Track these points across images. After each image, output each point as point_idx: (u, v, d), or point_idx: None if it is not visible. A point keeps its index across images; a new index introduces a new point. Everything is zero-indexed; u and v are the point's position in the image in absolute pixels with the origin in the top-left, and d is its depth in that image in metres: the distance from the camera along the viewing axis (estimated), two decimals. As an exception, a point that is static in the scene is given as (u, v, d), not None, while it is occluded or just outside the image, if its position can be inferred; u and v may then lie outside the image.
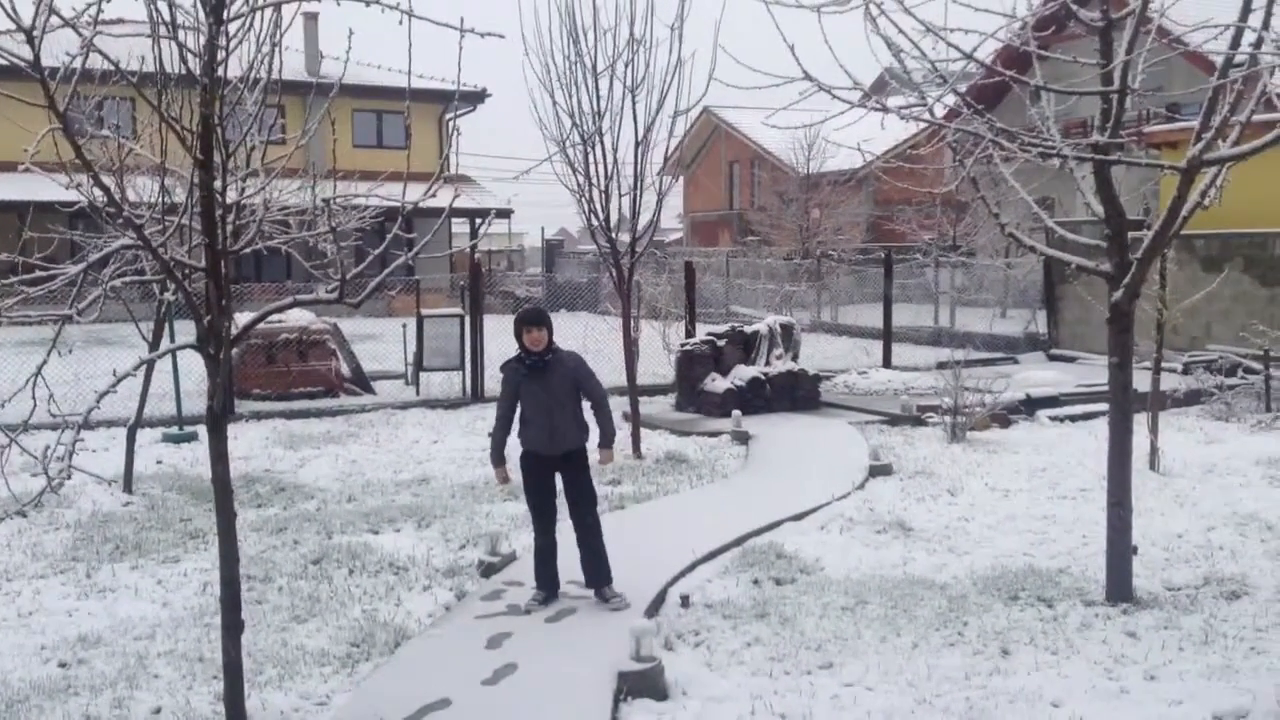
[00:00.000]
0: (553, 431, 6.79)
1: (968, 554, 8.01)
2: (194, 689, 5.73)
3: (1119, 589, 6.89)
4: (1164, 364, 11.26)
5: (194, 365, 10.95)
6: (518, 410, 6.90)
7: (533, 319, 6.89)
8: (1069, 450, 11.73)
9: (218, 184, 4.75)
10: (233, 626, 5.12)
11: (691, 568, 7.68)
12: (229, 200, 4.96)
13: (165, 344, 7.42)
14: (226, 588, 5.13)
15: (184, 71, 4.66)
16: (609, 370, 13.97)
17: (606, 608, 6.73)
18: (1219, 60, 6.24)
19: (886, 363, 18.04)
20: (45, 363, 4.84)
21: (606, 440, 6.98)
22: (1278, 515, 8.86)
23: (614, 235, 11.48)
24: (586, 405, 6.96)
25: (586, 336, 15.78)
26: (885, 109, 6.47)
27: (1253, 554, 7.91)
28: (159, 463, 11.39)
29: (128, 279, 5.42)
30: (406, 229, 4.99)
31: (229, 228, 4.99)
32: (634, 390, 12.18)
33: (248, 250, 5.55)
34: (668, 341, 16.19)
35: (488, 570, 7.54)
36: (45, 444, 4.64)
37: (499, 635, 6.35)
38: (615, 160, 11.20)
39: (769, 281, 29.21)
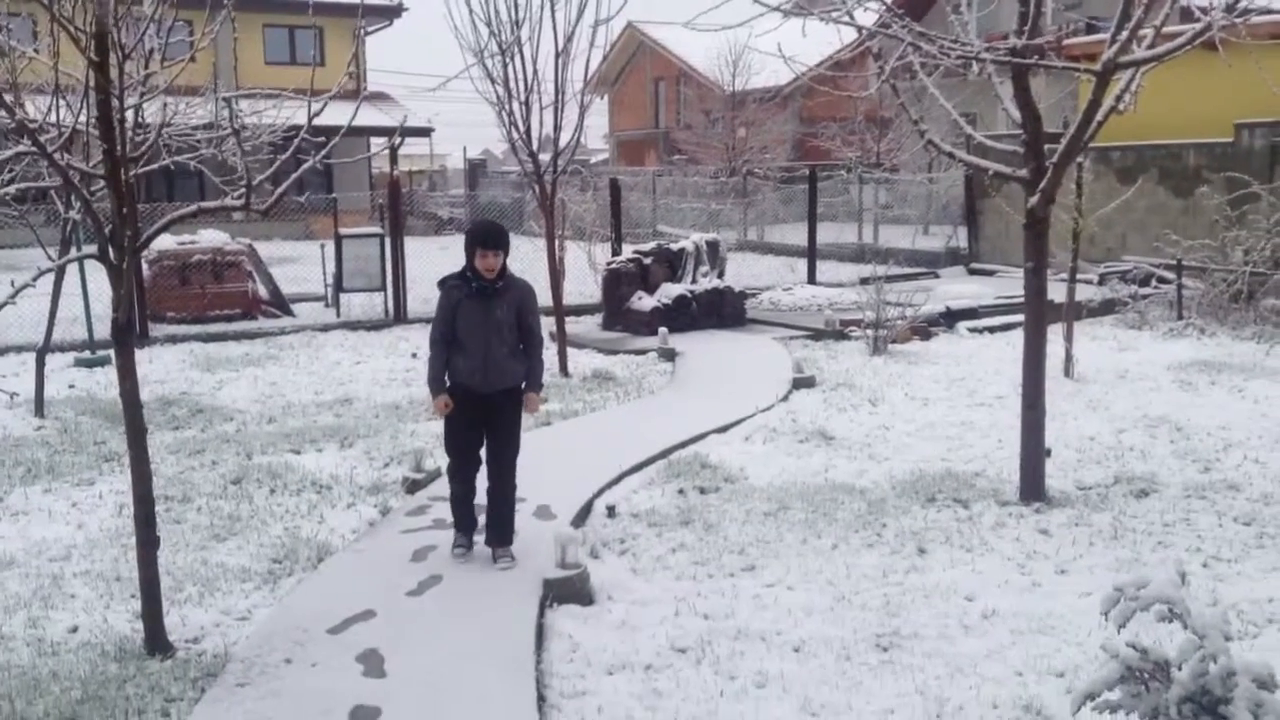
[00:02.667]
0: (489, 366, 5.96)
1: (887, 460, 8.15)
2: (111, 608, 5.64)
3: (1032, 489, 7.07)
4: (1080, 275, 11.46)
5: (106, 289, 10.66)
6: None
7: (489, 239, 6.00)
8: (987, 360, 11.94)
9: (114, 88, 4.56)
10: (148, 542, 5.04)
11: (618, 479, 7.71)
12: (128, 106, 4.77)
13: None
14: (140, 504, 5.04)
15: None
16: (535, 291, 13.84)
17: (495, 567, 6.01)
18: (1134, -37, 6.25)
19: (811, 279, 18.17)
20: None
21: (535, 384, 6.18)
22: (1187, 417, 9.13)
23: (536, 150, 11.30)
24: None
25: (512, 256, 15.59)
26: (807, 11, 6.41)
27: (1162, 454, 8.15)
28: (71, 387, 11.10)
29: (23, 185, 5.21)
30: (322, 147, 4.85)
31: (129, 137, 4.81)
32: (560, 310, 12.09)
33: (154, 166, 5.37)
34: (594, 261, 16.09)
35: (412, 486, 7.50)
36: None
37: (424, 549, 6.33)
38: (535, 72, 10.98)
39: (695, 200, 29.14)
